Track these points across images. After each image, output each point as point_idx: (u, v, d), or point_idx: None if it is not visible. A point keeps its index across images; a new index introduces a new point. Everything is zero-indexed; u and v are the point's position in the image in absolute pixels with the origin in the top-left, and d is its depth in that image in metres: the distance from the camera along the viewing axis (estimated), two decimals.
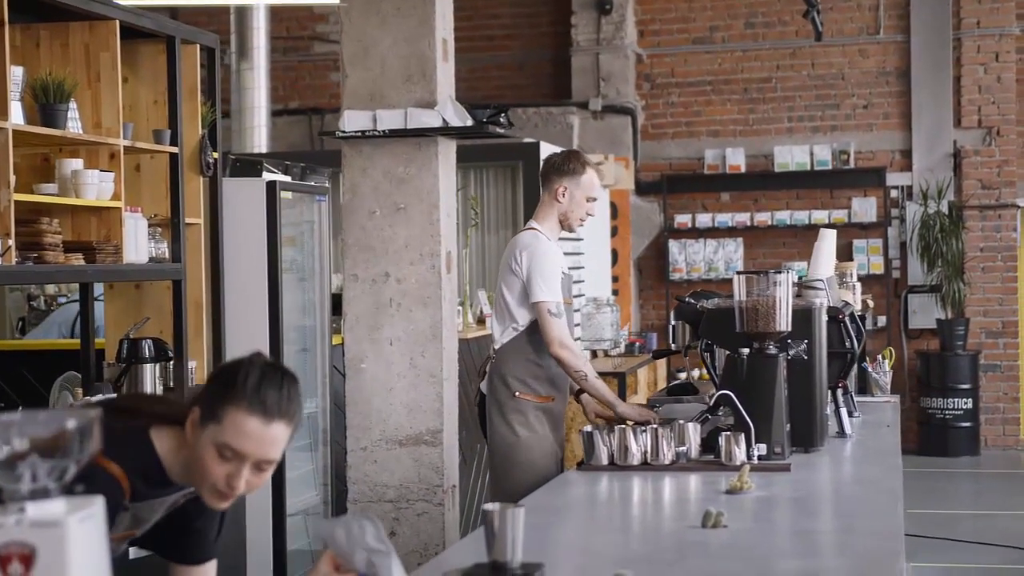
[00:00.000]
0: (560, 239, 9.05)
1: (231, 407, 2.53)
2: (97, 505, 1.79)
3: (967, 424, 12.08)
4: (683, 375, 12.31)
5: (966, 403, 12.05)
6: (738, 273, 4.47)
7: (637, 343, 11.00)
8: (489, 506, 2.74)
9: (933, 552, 8.32)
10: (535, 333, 5.13)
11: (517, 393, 5.13)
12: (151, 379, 5.36)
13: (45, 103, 4.76)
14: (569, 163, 5.24)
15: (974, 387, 12.11)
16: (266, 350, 6.21)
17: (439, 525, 5.57)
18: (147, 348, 5.36)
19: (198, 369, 5.78)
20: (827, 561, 3.01)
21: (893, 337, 12.37)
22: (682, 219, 12.76)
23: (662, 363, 11.21)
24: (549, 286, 5.05)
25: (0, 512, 1.73)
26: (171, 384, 5.53)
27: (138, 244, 5.21)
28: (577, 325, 9.75)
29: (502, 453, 5.16)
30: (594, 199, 5.26)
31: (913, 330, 12.52)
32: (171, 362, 5.50)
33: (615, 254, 12.32)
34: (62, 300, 8.78)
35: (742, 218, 12.64)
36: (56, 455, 1.76)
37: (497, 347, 5.22)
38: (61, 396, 5.62)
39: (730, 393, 4.31)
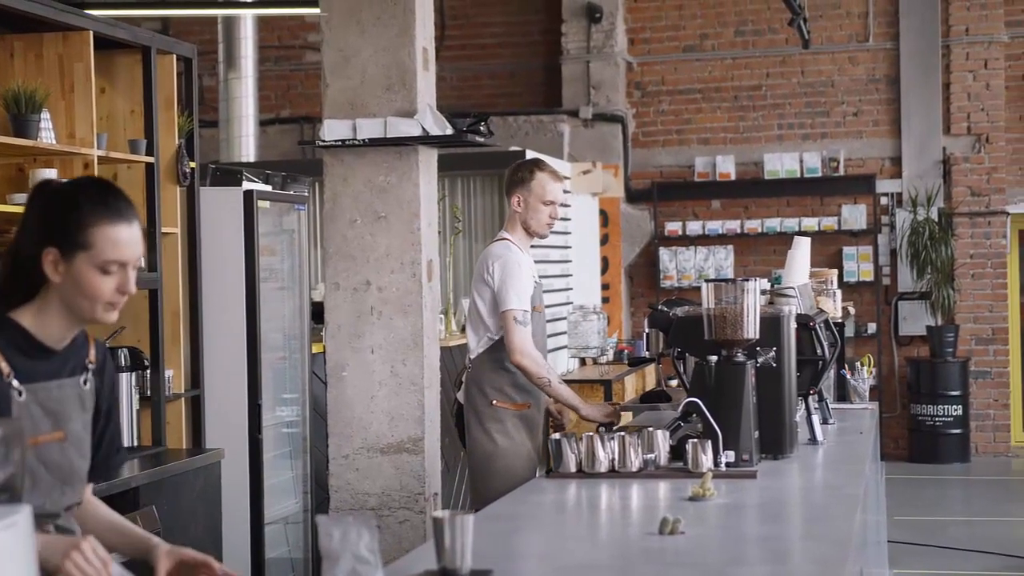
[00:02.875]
0: (544, 246, 9.05)
1: (94, 229, 2.64)
2: (22, 514, 1.81)
3: (957, 431, 12.09)
4: (674, 383, 12.32)
5: (956, 410, 12.06)
6: (707, 281, 4.49)
7: (626, 351, 11.01)
8: (438, 513, 2.76)
9: (921, 559, 8.33)
10: None
11: (494, 401, 5.22)
12: (127, 388, 5.37)
13: (17, 113, 4.78)
14: (518, 172, 5.37)
15: (964, 394, 12.12)
16: (244, 358, 6.24)
17: (421, 533, 5.58)
18: (123, 357, 5.38)
19: (175, 378, 5.79)
20: (776, 567, 3.02)
21: (883, 344, 12.39)
22: (672, 227, 12.78)
23: (651, 370, 11.23)
24: (518, 296, 5.14)
25: None
26: (148, 393, 5.54)
27: None
28: (562, 334, 9.79)
29: (481, 461, 5.21)
30: (551, 202, 5.34)
31: (903, 337, 12.53)
32: (147, 371, 5.52)
33: (606, 262, 12.34)
34: None
35: (732, 226, 12.65)
36: None
37: (472, 356, 5.31)
38: None
39: (698, 401, 4.33)
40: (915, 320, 12.39)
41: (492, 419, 5.19)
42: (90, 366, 2.81)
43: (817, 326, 5.04)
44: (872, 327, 12.39)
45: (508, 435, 5.16)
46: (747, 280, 4.44)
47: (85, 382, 2.78)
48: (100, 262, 2.65)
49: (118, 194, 2.72)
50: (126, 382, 5.37)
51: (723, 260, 12.70)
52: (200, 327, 5.97)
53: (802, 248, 5.62)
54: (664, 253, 12.77)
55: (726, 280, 4.47)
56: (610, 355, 10.51)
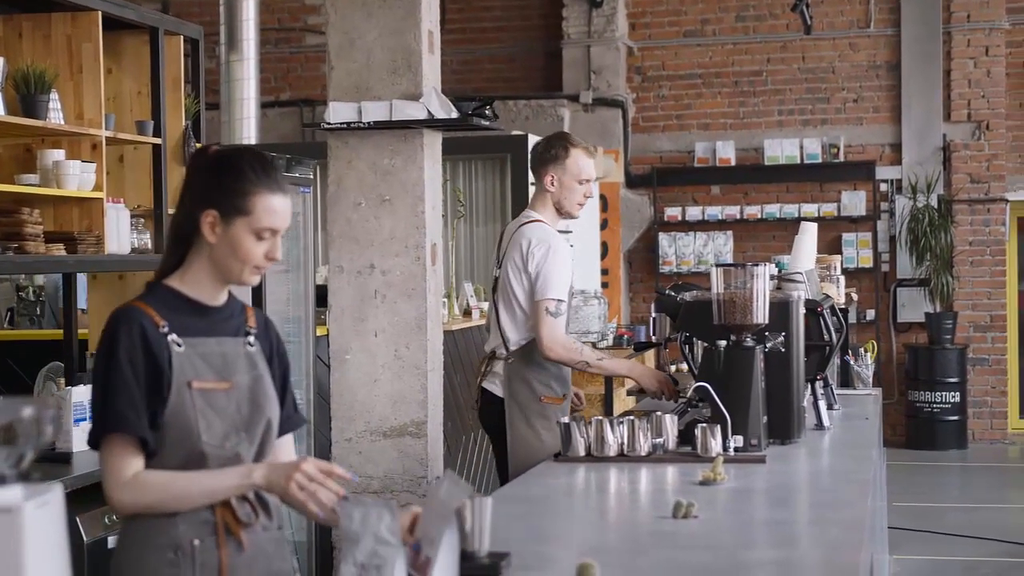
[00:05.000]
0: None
1: (255, 197, 2.79)
2: (55, 492, 1.81)
3: (955, 418, 12.12)
4: (673, 368, 12.33)
5: (954, 397, 12.09)
6: (716, 265, 4.49)
7: (626, 335, 11.03)
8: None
9: (919, 544, 8.36)
10: None
11: (543, 398, 5.03)
12: None
13: (26, 94, 4.76)
14: (551, 149, 5.13)
15: (962, 381, 12.14)
16: None
17: None
18: None
19: None
20: (791, 551, 3.03)
21: (882, 330, 12.41)
22: (672, 212, 12.78)
23: (651, 355, 11.24)
24: (555, 285, 4.92)
25: None
26: None
27: (120, 235, 5.22)
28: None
29: (526, 457, 4.96)
30: (586, 180, 5.12)
31: (902, 323, 12.55)
32: None
33: (605, 247, 12.34)
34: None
35: (732, 211, 12.66)
36: (12, 442, 1.78)
37: (513, 348, 5.08)
38: (46, 386, 5.63)
39: (707, 385, 4.33)
40: (914, 307, 12.41)
41: (539, 415, 4.99)
42: (251, 330, 2.93)
43: (824, 311, 5.04)
44: (871, 313, 12.40)
45: (552, 430, 5.03)
46: (757, 265, 4.44)
47: (250, 344, 2.90)
48: (256, 228, 2.79)
49: (277, 166, 2.88)
50: None
51: (722, 246, 12.71)
52: None
53: (809, 233, 5.62)
54: (663, 238, 12.77)
55: (736, 265, 4.46)
56: (610, 340, 10.52)
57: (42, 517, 1.77)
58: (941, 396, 12.07)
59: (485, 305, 8.26)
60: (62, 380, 5.43)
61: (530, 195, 9.65)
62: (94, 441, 2.78)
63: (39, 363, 5.89)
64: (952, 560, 8.03)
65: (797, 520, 3.46)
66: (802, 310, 4.70)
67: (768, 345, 4.47)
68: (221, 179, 2.81)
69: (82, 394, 5.08)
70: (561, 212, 5.16)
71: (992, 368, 12.45)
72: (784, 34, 12.70)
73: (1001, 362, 12.47)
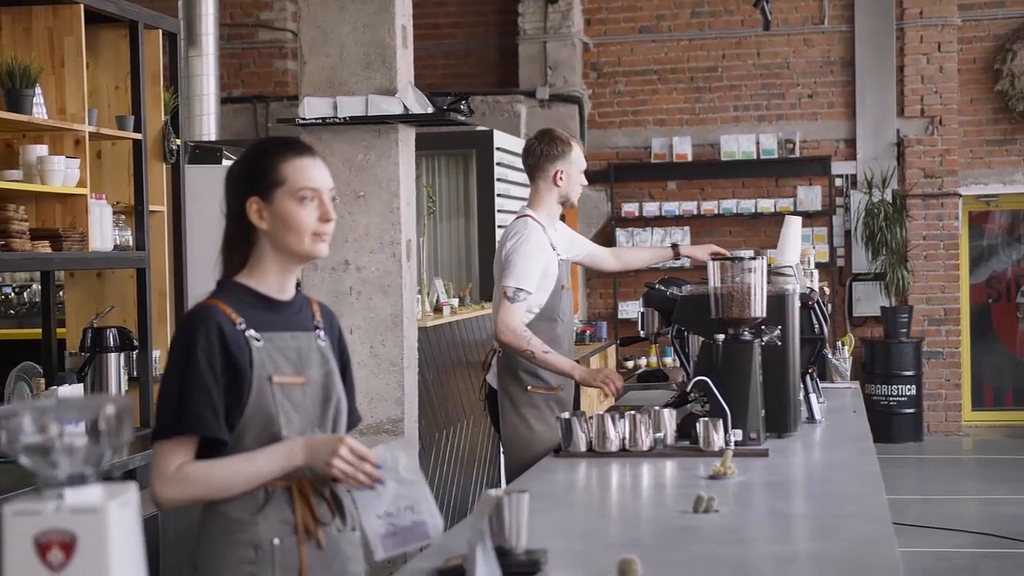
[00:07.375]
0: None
1: (282, 165, 2.80)
2: (132, 492, 1.77)
3: (910, 410, 12.23)
4: (630, 363, 12.36)
5: (909, 390, 12.19)
6: (713, 259, 4.48)
7: (587, 332, 11.04)
8: (494, 492, 2.74)
9: None
10: (541, 323, 5.07)
11: (529, 387, 5.09)
12: (115, 368, 5.29)
13: (11, 88, 4.67)
14: (555, 146, 5.21)
15: (917, 374, 12.25)
16: None
17: None
18: (112, 337, 5.29)
19: (162, 358, 5.70)
20: (823, 545, 3.01)
21: (838, 324, 12.49)
22: (629, 208, 12.80)
23: (612, 351, 11.26)
24: (518, 273, 4.99)
25: (38, 499, 1.71)
26: (135, 374, 5.46)
27: (103, 231, 5.14)
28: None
29: (518, 448, 5.05)
30: (583, 169, 5.31)
31: (857, 317, 12.65)
32: (135, 351, 5.43)
33: None
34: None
35: (689, 207, 12.69)
36: (94, 441, 1.74)
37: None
38: (17, 387, 5.52)
39: (707, 379, 4.32)
40: (869, 301, 12.51)
41: (527, 405, 5.06)
42: (320, 324, 2.92)
43: (815, 304, 5.06)
44: (827, 308, 12.47)
45: (544, 420, 5.05)
46: (754, 258, 4.44)
47: (320, 339, 2.89)
48: (295, 191, 2.78)
49: (299, 141, 2.91)
50: (115, 363, 5.29)
51: (680, 241, 12.72)
52: (185, 307, 5.89)
53: (794, 227, 5.64)
54: (621, 234, 12.78)
55: (732, 258, 4.46)
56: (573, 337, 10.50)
57: (124, 516, 1.74)
58: (897, 389, 12.18)
59: (456, 302, 8.23)
60: (41, 380, 5.33)
61: (496, 191, 9.70)
62: (159, 438, 2.78)
63: (11, 363, 5.79)
64: (916, 552, 8.10)
65: (817, 513, 3.45)
66: (797, 303, 4.71)
67: (765, 339, 4.47)
68: (249, 168, 2.84)
69: (68, 394, 5.00)
70: (565, 204, 5.28)
71: (946, 361, 12.58)
72: (739, 30, 12.75)
73: (955, 355, 12.60)
